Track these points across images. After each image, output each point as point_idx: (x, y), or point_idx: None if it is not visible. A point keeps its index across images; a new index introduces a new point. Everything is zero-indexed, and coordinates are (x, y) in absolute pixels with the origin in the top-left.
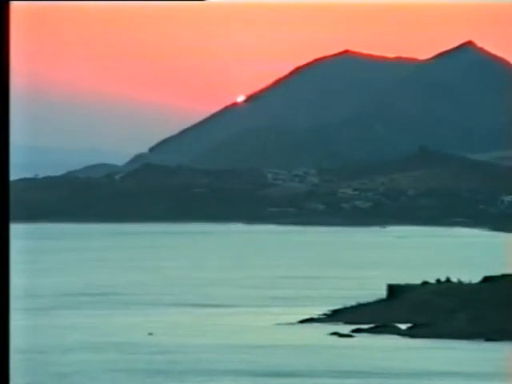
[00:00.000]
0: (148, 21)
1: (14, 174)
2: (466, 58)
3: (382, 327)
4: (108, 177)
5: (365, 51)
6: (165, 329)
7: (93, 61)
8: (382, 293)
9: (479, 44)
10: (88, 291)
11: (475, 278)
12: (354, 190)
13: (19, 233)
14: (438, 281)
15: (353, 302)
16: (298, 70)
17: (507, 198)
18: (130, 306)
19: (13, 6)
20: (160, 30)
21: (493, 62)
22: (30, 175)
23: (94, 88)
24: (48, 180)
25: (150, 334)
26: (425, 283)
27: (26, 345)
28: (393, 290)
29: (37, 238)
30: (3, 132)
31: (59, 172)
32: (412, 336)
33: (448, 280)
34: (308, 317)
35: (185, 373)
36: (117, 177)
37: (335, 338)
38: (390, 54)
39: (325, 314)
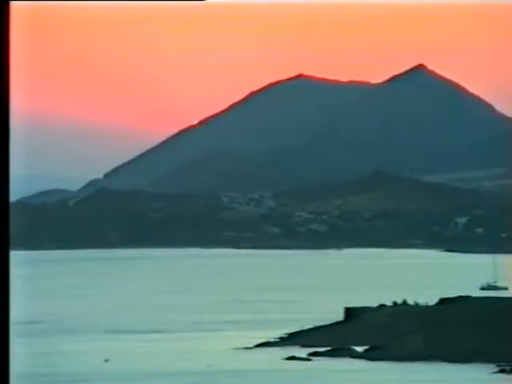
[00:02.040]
0: (112, 25)
1: None
2: (417, 81)
3: (339, 350)
4: (62, 202)
5: (318, 75)
6: (121, 356)
7: (56, 77)
8: (340, 316)
9: (430, 67)
10: (37, 319)
11: (432, 300)
12: (310, 213)
13: None
14: (395, 303)
15: (310, 325)
16: (252, 95)
17: (461, 220)
18: (81, 333)
19: (13, 6)
20: (120, 40)
21: (444, 84)
22: None
23: (52, 108)
24: None
25: (106, 360)
26: (382, 306)
27: None
28: (350, 312)
29: None
30: (4, 134)
31: (12, 198)
32: (369, 358)
33: (404, 302)
34: (264, 340)
35: None
36: (71, 202)
37: (292, 362)
38: (343, 78)
39: (281, 338)
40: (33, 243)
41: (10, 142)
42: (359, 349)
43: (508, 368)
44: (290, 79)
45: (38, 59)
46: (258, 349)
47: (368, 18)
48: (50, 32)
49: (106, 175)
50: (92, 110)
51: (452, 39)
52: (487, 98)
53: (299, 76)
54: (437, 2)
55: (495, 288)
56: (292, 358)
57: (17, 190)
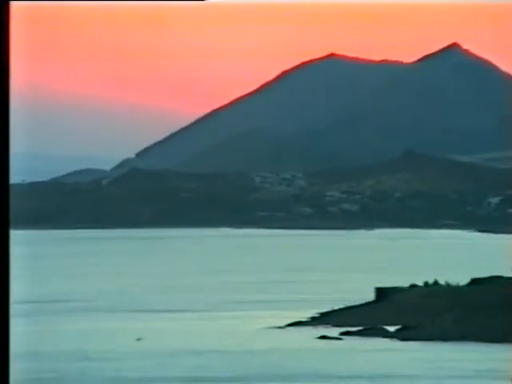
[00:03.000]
0: (144, 20)
1: None
2: (451, 60)
3: (371, 330)
4: (95, 182)
5: (350, 54)
6: (154, 335)
7: (86, 63)
8: (371, 296)
9: (464, 46)
10: (69, 298)
11: (463, 281)
12: (342, 192)
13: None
14: (426, 284)
15: (341, 305)
16: (284, 74)
17: (494, 200)
18: (114, 312)
19: (13, 6)
20: (151, 30)
21: (478, 64)
22: (16, 181)
23: (84, 91)
24: (35, 186)
25: (139, 339)
26: (413, 286)
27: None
28: (381, 292)
29: (25, 244)
30: (3, 136)
31: (46, 178)
32: (400, 338)
33: (436, 283)
34: (296, 320)
35: (178, 379)
36: (104, 182)
37: (324, 341)
38: (376, 58)
39: (313, 318)
40: (66, 222)
41: (48, 122)
42: (391, 328)
43: None
44: (321, 58)
45: (38, 59)
46: (290, 328)
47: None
48: (50, 32)
49: (138, 155)
50: (120, 91)
51: (487, 18)
52: None
53: (331, 55)
54: None
55: None
56: (323, 337)
57: (51, 170)
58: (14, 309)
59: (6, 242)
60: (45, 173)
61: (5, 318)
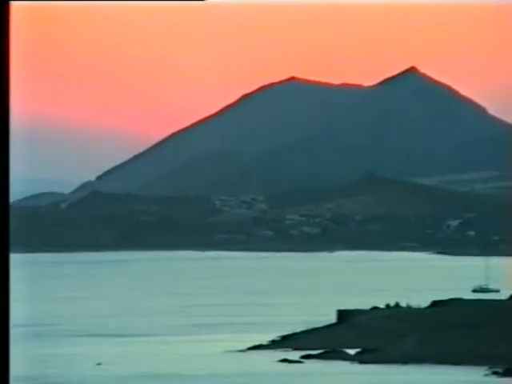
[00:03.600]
0: (144, 20)
1: None
2: (410, 84)
3: (332, 353)
4: (54, 205)
5: (311, 77)
6: (113, 359)
7: (52, 78)
8: (332, 318)
9: (421, 70)
10: (31, 322)
11: (424, 303)
12: (302, 215)
13: None
14: (388, 306)
15: (302, 328)
16: (245, 97)
17: (453, 223)
18: (74, 337)
19: (13, 6)
20: (147, 32)
21: (436, 87)
22: None
23: (48, 109)
24: None
25: (99, 364)
26: (374, 308)
27: None
28: (343, 315)
29: None
30: (4, 133)
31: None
32: (361, 361)
33: (397, 305)
34: (257, 343)
35: None
36: (63, 205)
37: (285, 364)
38: (336, 81)
39: (274, 341)
40: (24, 246)
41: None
42: (351, 351)
43: (501, 370)
44: (282, 81)
45: (38, 59)
46: (251, 351)
47: (359, 18)
48: (50, 32)
49: (99, 178)
50: (85, 111)
51: (444, 41)
52: (480, 100)
53: (292, 79)
54: (428, 2)
55: (487, 290)
56: (284, 360)
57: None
58: None
59: (6, 265)
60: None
61: None
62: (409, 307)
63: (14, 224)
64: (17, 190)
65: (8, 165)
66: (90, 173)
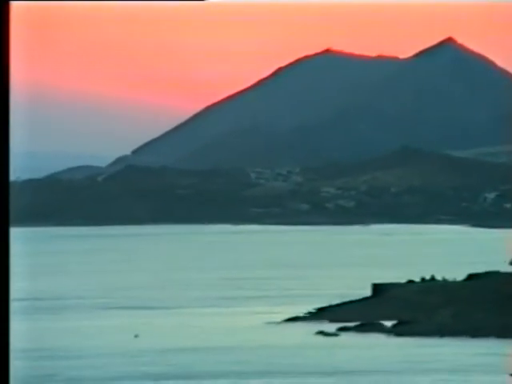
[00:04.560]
0: (143, 20)
1: None
2: (446, 55)
3: (368, 325)
4: (90, 179)
5: (346, 50)
6: (150, 331)
7: (85, 62)
8: (367, 292)
9: (459, 41)
10: (64, 295)
11: (460, 276)
12: (337, 188)
13: None
14: (423, 279)
15: (338, 301)
16: (280, 71)
17: (490, 195)
18: (110, 309)
19: (13, 5)
20: (148, 28)
21: (473, 58)
22: (11, 178)
23: (78, 88)
24: (30, 183)
25: (136, 336)
26: (410, 282)
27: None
28: (378, 288)
29: (20, 241)
30: (3, 133)
31: (41, 174)
32: (397, 334)
33: (433, 278)
34: (294, 315)
35: (182, 376)
36: (99, 178)
37: (321, 337)
38: (372, 53)
39: (310, 313)
40: (61, 219)
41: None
42: (388, 324)
43: None
44: (317, 54)
45: (38, 59)
46: (287, 324)
47: None
48: (50, 32)
49: (134, 152)
50: (117, 89)
51: (481, 16)
52: None
53: (327, 51)
54: None
55: None
56: (321, 332)
57: (44, 167)
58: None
59: (6, 239)
60: (40, 170)
61: (5, 316)
62: (444, 280)
63: (51, 197)
64: (52, 164)
65: (8, 139)
66: (124, 148)
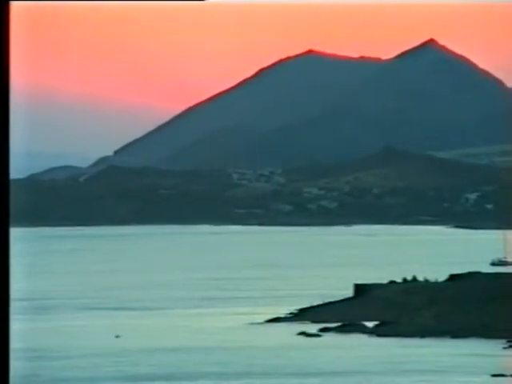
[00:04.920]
0: (143, 20)
1: None
2: (428, 56)
3: (349, 326)
4: (72, 179)
5: (329, 51)
6: (132, 332)
7: (73, 60)
8: (349, 292)
9: (441, 42)
10: (48, 296)
11: (442, 277)
12: (320, 189)
13: None
14: (405, 280)
15: (320, 302)
16: (262, 71)
17: (471, 196)
18: (93, 310)
19: (13, 5)
20: (150, 29)
21: (455, 60)
22: None
23: (62, 87)
24: (10, 183)
25: (117, 336)
26: (391, 282)
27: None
28: (360, 289)
29: None
30: (3, 133)
31: (21, 175)
32: (379, 334)
33: (414, 279)
34: (276, 316)
35: (162, 377)
36: (81, 179)
37: (303, 337)
38: (354, 54)
39: (292, 314)
40: (42, 220)
41: (13, 121)
42: (369, 324)
43: None
44: (299, 55)
45: (38, 59)
46: (269, 324)
47: None
48: (50, 32)
49: (116, 152)
50: (100, 88)
51: (463, 12)
52: (496, 73)
53: (309, 52)
54: None
55: (505, 263)
56: (302, 333)
57: (26, 167)
58: None
59: (6, 238)
60: (21, 170)
61: (5, 316)
62: (426, 281)
63: (32, 197)
64: (32, 164)
65: (8, 137)
66: (106, 148)
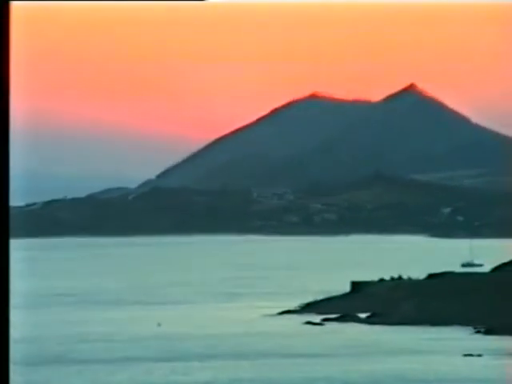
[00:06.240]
0: (144, 21)
1: (47, 196)
2: (409, 99)
3: (347, 316)
4: (122, 197)
5: (328, 92)
6: (174, 321)
7: (86, 67)
8: (347, 288)
9: (420, 86)
10: (110, 289)
11: (422, 276)
12: (322, 205)
13: (48, 245)
14: (392, 278)
15: (322, 297)
16: (275, 111)
17: (446, 210)
18: (136, 304)
19: (13, 6)
20: (153, 32)
21: (429, 101)
22: (59, 197)
23: (98, 117)
24: (74, 201)
25: (159, 324)
26: (381, 280)
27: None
28: (355, 285)
29: (64, 250)
30: (3, 138)
31: (82, 194)
32: (371, 323)
33: (400, 277)
34: (285, 309)
35: (204, 356)
36: (130, 197)
37: (309, 326)
38: (349, 97)
39: (299, 307)
40: (96, 230)
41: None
42: (363, 315)
43: (482, 330)
44: (305, 98)
45: (38, 59)
46: (280, 316)
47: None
48: (50, 32)
49: (158, 176)
50: (137, 119)
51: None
52: (464, 110)
53: (313, 95)
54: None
55: (473, 265)
56: (309, 322)
57: (85, 188)
58: (55, 299)
59: (6, 237)
60: (78, 190)
61: (5, 316)
62: (410, 279)
63: (88, 212)
64: (91, 186)
65: (8, 153)
66: (150, 172)
